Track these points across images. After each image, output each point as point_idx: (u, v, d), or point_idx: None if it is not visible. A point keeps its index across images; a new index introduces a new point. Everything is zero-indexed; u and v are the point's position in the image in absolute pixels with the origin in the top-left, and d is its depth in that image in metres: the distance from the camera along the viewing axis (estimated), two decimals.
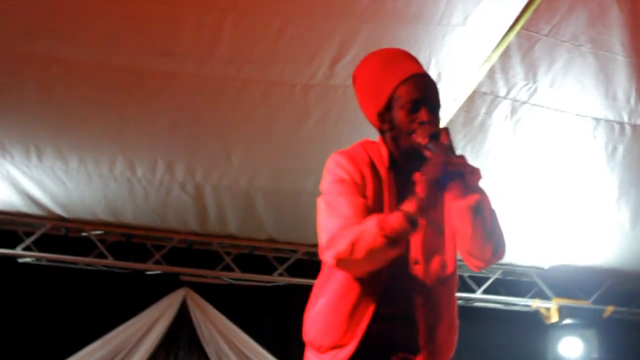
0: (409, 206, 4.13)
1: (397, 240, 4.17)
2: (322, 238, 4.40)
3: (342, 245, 4.24)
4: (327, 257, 4.34)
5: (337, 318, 4.60)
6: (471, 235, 4.49)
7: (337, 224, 4.37)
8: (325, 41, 7.74)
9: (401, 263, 4.58)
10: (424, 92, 4.56)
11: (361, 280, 4.56)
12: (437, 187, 4.23)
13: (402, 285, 4.61)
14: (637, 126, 8.63)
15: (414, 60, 4.79)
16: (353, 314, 4.55)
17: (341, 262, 4.31)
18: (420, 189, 4.17)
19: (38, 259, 10.92)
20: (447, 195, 4.52)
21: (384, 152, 4.67)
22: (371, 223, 4.18)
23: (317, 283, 4.80)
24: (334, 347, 4.60)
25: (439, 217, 4.70)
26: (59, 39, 7.89)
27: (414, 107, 4.49)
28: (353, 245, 4.21)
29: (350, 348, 4.52)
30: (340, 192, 4.51)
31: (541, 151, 9.08)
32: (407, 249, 4.59)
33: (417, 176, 4.22)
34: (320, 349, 4.67)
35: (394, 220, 4.14)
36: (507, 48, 7.86)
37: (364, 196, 4.51)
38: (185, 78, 8.32)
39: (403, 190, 4.54)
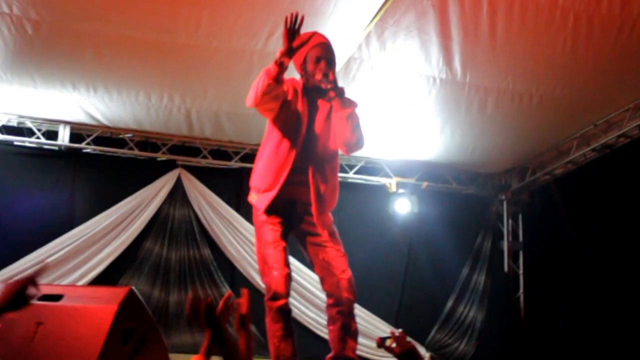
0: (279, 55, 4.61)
1: (277, 77, 4.61)
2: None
3: (249, 98, 4.78)
4: (247, 103, 4.86)
5: (268, 174, 4.94)
6: (344, 131, 4.83)
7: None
8: (262, 25, 7.96)
9: (305, 149, 4.92)
10: (323, 52, 4.95)
11: (281, 152, 4.90)
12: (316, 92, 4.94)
13: (305, 162, 4.92)
14: (442, 79, 8.80)
15: (321, 35, 5.13)
16: (276, 172, 4.88)
17: (252, 104, 4.83)
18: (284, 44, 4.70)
19: (94, 150, 10.89)
20: (333, 110, 4.85)
21: (301, 84, 5.00)
22: (260, 75, 4.68)
23: (258, 153, 5.16)
24: (265, 190, 4.94)
25: (328, 124, 4.96)
26: (104, 20, 8.07)
27: (317, 60, 4.90)
28: (254, 93, 4.71)
29: (274, 192, 4.87)
30: None
31: (388, 90, 9.24)
32: (310, 141, 4.93)
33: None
34: (258, 191, 5.01)
35: (271, 65, 4.60)
36: (369, 32, 7.98)
37: (284, 92, 4.90)
38: (180, 46, 8.47)
39: (310, 104, 4.98)
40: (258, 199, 4.99)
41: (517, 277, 12.33)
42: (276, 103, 4.86)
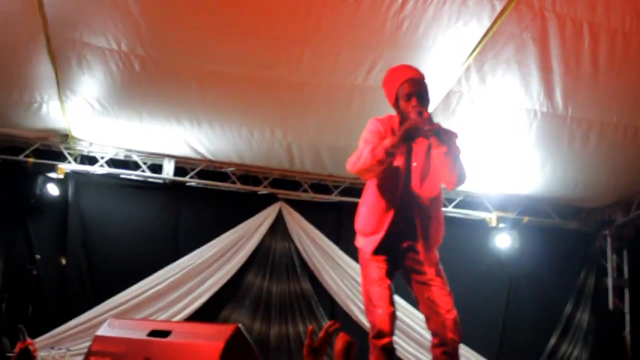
0: (390, 143, 4.58)
1: (382, 161, 4.61)
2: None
3: (351, 163, 4.76)
4: (347, 167, 4.80)
5: (372, 217, 4.96)
6: (444, 169, 4.81)
7: (359, 151, 4.77)
8: (362, 61, 7.96)
9: (407, 188, 4.90)
10: (414, 88, 4.86)
11: (385, 196, 4.91)
12: (410, 136, 4.64)
13: (409, 200, 4.90)
14: (543, 112, 8.67)
15: (411, 68, 5.06)
16: (380, 216, 4.90)
17: (352, 171, 4.80)
18: (398, 133, 4.62)
19: (197, 183, 11.07)
20: (432, 147, 4.80)
21: (397, 121, 4.93)
22: (367, 150, 4.66)
23: (361, 198, 5.15)
24: (372, 233, 4.95)
25: (428, 161, 4.92)
26: (208, 57, 8.23)
27: (408, 98, 4.83)
28: (357, 163, 4.72)
29: (380, 234, 4.87)
30: (367, 137, 4.89)
31: (488, 124, 9.14)
32: (410, 179, 4.91)
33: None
34: (364, 234, 5.03)
35: (380, 149, 4.58)
36: (469, 66, 7.96)
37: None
38: (282, 81, 8.55)
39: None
40: (365, 242, 4.96)
41: (622, 315, 11.92)
42: (375, 173, 4.91)
